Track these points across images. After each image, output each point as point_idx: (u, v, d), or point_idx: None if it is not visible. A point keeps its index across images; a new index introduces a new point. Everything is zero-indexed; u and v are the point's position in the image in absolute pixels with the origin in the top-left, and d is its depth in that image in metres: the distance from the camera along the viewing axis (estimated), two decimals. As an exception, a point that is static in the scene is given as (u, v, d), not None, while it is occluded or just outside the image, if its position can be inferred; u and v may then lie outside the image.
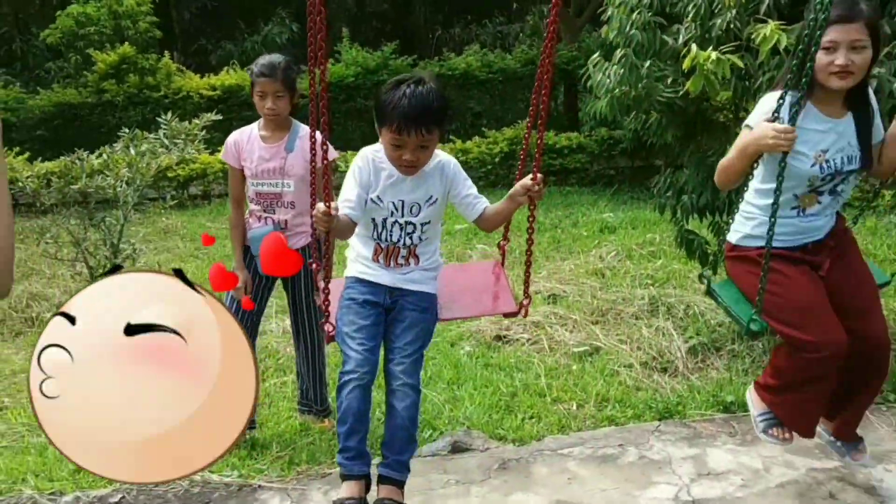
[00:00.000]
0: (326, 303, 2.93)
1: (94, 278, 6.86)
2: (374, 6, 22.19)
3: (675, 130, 4.78)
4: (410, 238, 3.02)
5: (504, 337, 5.44)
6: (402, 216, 2.99)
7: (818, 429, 3.40)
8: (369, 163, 2.98)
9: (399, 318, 3.02)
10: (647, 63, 4.40)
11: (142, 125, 9.07)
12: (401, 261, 3.05)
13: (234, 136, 4.00)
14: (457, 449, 3.90)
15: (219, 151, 11.99)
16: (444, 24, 22.72)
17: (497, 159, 11.77)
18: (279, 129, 3.95)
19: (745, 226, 3.24)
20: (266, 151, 3.92)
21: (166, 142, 7.20)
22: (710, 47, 4.03)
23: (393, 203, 2.96)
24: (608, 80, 4.53)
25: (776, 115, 2.96)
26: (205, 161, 11.47)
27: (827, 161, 3.04)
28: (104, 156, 7.12)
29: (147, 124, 9.45)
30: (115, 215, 6.93)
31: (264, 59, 3.95)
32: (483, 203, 3.07)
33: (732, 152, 3.15)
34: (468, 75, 14.40)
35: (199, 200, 11.90)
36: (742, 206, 3.28)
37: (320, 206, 2.70)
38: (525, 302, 3.15)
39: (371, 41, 17.44)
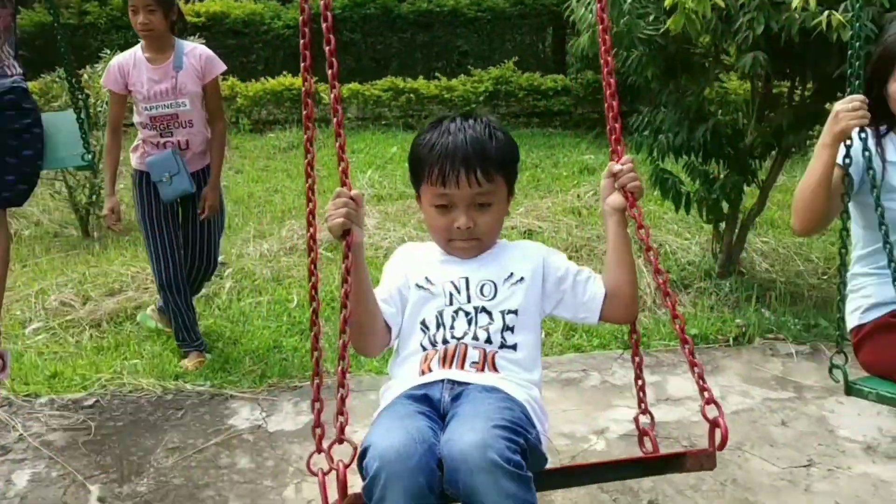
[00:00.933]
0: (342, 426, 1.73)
1: (72, 197, 6.88)
2: (364, -61, 21.79)
3: (655, 69, 4.81)
4: (486, 332, 1.96)
5: (478, 268, 5.52)
6: (468, 301, 2.00)
7: None
8: (406, 252, 2.19)
9: (462, 400, 1.84)
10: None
11: (124, 48, 8.94)
12: (469, 367, 1.92)
13: (118, 60, 3.95)
14: (425, 369, 4.00)
15: (202, 77, 11.93)
16: (435, -40, 22.37)
17: (482, 98, 11.75)
18: (162, 49, 3.89)
19: (860, 300, 2.65)
20: (154, 73, 3.87)
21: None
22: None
23: (453, 283, 2.02)
24: (590, 15, 4.54)
25: (848, 145, 2.40)
26: (187, 88, 11.38)
27: None
28: (85, 75, 7.08)
29: (129, 47, 9.36)
30: (95, 136, 6.90)
31: None
32: (597, 277, 2.10)
33: (810, 165, 2.52)
34: (457, 12, 14.26)
35: (180, 125, 11.83)
36: (849, 289, 2.67)
37: (342, 189, 1.80)
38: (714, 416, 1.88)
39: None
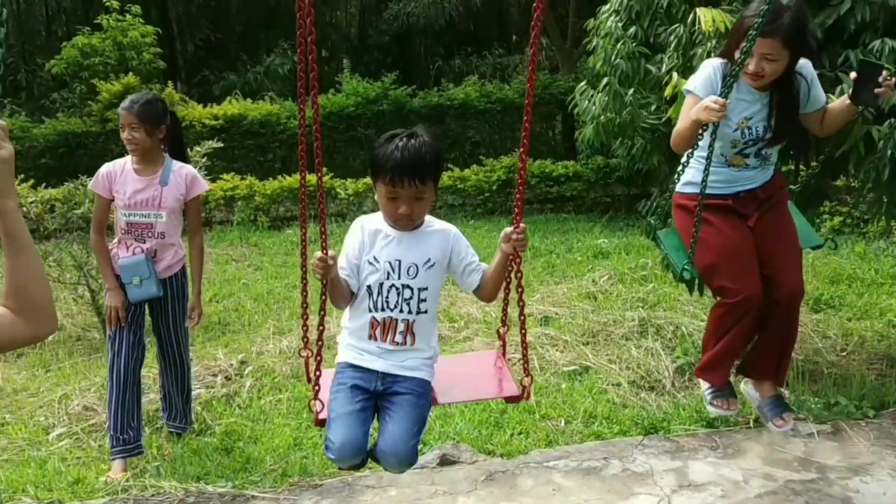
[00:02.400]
0: (317, 387, 2.80)
1: (95, 301, 7.00)
2: (375, 38, 22.47)
3: (660, 155, 4.93)
4: (408, 305, 2.80)
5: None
6: (399, 278, 2.79)
7: (749, 391, 3.83)
8: (362, 227, 2.88)
9: (392, 402, 2.80)
10: (631, 91, 4.57)
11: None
12: (398, 338, 2.81)
13: (107, 168, 4.17)
14: (445, 461, 4.01)
15: (221, 179, 12.21)
16: (445, 55, 23.02)
17: (494, 187, 11.94)
18: (151, 162, 4.15)
19: (685, 176, 3.66)
20: (140, 183, 4.11)
21: (168, 168, 7.35)
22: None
23: (389, 263, 2.79)
24: (594, 107, 4.69)
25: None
26: (206, 188, 11.62)
27: (749, 128, 3.52)
28: (107, 182, 7.28)
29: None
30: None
31: (129, 96, 4.20)
32: (483, 268, 2.90)
33: (680, 121, 3.58)
34: (467, 105, 14.63)
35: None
36: (683, 160, 3.63)
37: (317, 253, 2.61)
38: (527, 383, 2.89)
39: (372, 72, 17.68)
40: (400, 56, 22.06)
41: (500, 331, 3.16)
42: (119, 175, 4.13)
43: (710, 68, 3.54)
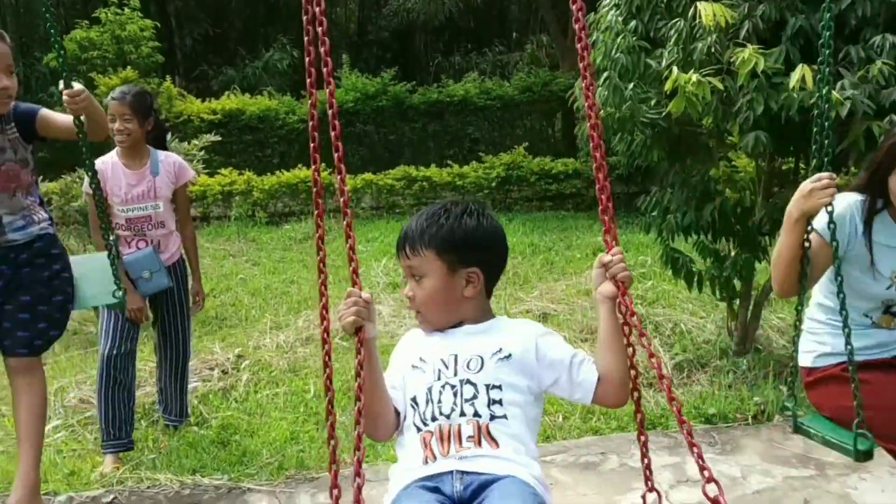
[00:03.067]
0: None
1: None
2: (375, 34, 22.46)
3: (660, 151, 4.90)
4: (473, 407, 1.99)
5: (494, 353, 5.54)
6: (455, 374, 2.05)
7: None
8: (410, 338, 2.25)
9: (486, 495, 1.88)
10: (631, 85, 4.54)
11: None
12: (466, 443, 1.97)
13: (98, 167, 3.99)
14: (442, 456, 3.98)
15: (219, 174, 12.18)
16: (444, 52, 23.04)
17: (494, 184, 11.92)
18: (139, 155, 4.14)
19: (816, 346, 2.82)
20: (132, 178, 4.10)
21: (166, 162, 7.34)
22: (692, 70, 4.17)
23: (442, 360, 2.08)
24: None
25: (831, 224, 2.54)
26: (203, 183, 11.61)
27: None
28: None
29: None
30: (114, 233, 7.03)
31: (119, 88, 4.24)
32: (590, 360, 2.12)
33: (779, 242, 2.74)
34: (466, 101, 14.62)
35: (198, 222, 12.00)
36: (806, 325, 2.85)
37: (353, 290, 1.89)
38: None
39: (371, 68, 17.68)
40: (399, 52, 22.04)
41: (647, 499, 2.11)
42: (110, 172, 4.08)
43: (843, 205, 2.62)
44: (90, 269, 3.55)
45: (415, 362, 2.11)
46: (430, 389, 2.04)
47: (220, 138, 8.19)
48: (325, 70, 1.93)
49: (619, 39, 4.63)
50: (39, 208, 3.45)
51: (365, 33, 22.86)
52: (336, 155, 1.89)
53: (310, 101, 1.94)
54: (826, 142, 2.58)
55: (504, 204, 12.11)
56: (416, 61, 22.29)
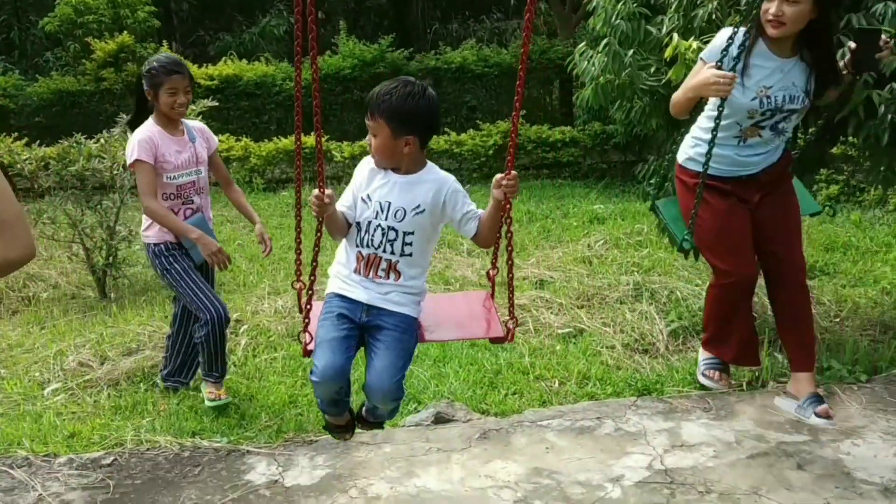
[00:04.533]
0: (307, 319, 2.96)
1: (89, 259, 6.99)
2: (372, 0, 22.27)
3: (659, 118, 4.90)
4: (392, 246, 2.91)
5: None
6: (386, 219, 2.89)
7: (781, 402, 3.88)
8: (366, 165, 3.00)
9: (377, 338, 2.92)
10: (631, 52, 4.53)
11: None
12: (381, 273, 2.92)
13: (146, 134, 4.07)
14: (439, 420, 4.03)
15: (219, 140, 12.11)
16: (442, 19, 22.81)
17: (491, 151, 11.87)
18: (176, 123, 4.19)
19: (690, 149, 3.68)
20: (177, 145, 4.14)
21: (163, 127, 7.30)
22: (692, 37, 4.16)
23: (379, 203, 2.90)
24: (593, 68, 4.66)
25: (723, 53, 3.38)
26: (201, 149, 11.58)
27: (768, 97, 3.43)
28: (102, 140, 7.23)
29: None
30: (111, 199, 7.03)
31: (164, 58, 4.16)
32: (479, 214, 2.96)
33: (682, 87, 3.56)
34: (464, 69, 14.51)
35: (196, 188, 12.02)
36: (692, 129, 3.69)
37: (314, 191, 2.72)
38: (511, 325, 3.02)
39: (368, 35, 17.53)
40: (397, 19, 21.84)
41: (490, 272, 3.24)
42: (158, 140, 4.08)
43: (725, 35, 3.43)
44: None
45: (363, 197, 2.93)
46: (369, 223, 2.91)
47: (217, 104, 8.09)
48: (310, 36, 2.51)
49: (619, 6, 4.63)
50: None
51: (362, 0, 22.65)
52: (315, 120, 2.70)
53: (295, 72, 2.79)
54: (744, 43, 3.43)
55: (501, 171, 12.07)
56: (413, 28, 22.08)
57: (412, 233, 2.90)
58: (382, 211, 2.89)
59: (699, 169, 3.54)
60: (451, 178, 2.98)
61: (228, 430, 3.97)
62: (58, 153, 7.29)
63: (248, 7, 20.19)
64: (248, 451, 3.76)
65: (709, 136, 3.45)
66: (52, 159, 7.31)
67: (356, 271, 2.94)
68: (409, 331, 2.95)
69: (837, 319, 5.39)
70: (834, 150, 5.44)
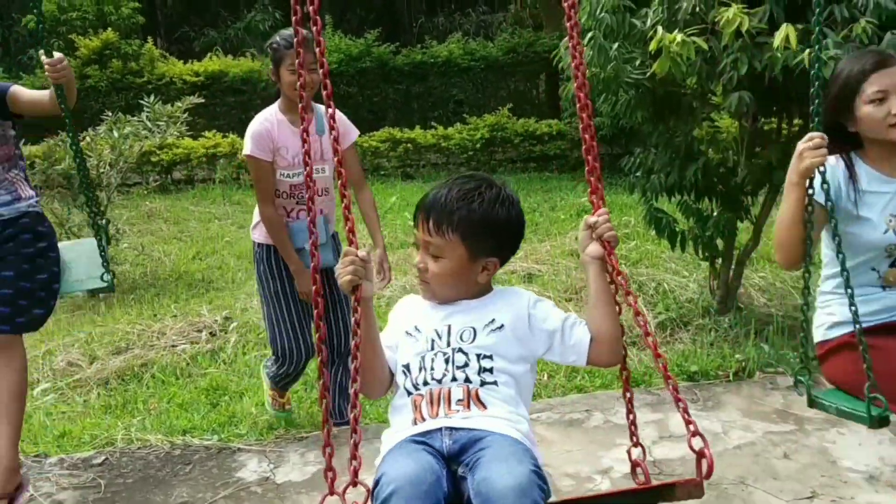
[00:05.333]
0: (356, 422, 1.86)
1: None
2: (357, -6, 22.28)
3: (644, 111, 4.92)
4: (464, 373, 2.04)
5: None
6: (448, 344, 2.09)
7: None
8: (407, 304, 2.28)
9: (477, 456, 1.89)
10: (616, 45, 4.53)
11: (125, 110, 9.08)
12: (455, 406, 2.01)
13: (262, 126, 3.56)
14: (430, 414, 4.04)
15: (203, 136, 12.09)
16: (428, 12, 22.81)
17: (478, 145, 11.92)
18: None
19: (826, 317, 2.81)
20: (299, 137, 3.44)
21: (149, 124, 7.31)
22: (677, 30, 4.17)
23: (436, 331, 2.12)
24: (578, 61, 4.66)
25: (825, 187, 2.51)
26: (188, 146, 11.57)
27: None
28: (87, 138, 7.22)
29: (130, 109, 9.46)
30: (98, 197, 7.01)
31: (285, 32, 3.60)
32: (582, 322, 2.16)
33: (780, 213, 2.65)
34: (450, 63, 14.54)
35: (182, 185, 12.00)
36: (817, 300, 2.85)
37: (349, 248, 1.94)
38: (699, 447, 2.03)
39: (354, 29, 17.53)
40: (383, 12, 21.83)
41: (632, 453, 2.25)
42: (276, 131, 3.55)
43: (828, 166, 2.54)
44: (78, 254, 3.41)
45: (409, 329, 2.14)
46: (423, 357, 2.08)
47: (203, 100, 8.11)
48: (314, 29, 1.99)
49: (603, -1, 4.62)
50: (25, 184, 3.31)
51: (348, -7, 22.63)
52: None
53: (297, 62, 2.11)
54: (818, 101, 2.46)
55: (488, 165, 12.11)
56: (399, 22, 22.08)
57: (490, 357, 2.06)
58: (440, 337, 2.10)
59: (848, 330, 2.62)
60: (529, 292, 2.25)
61: (219, 428, 3.99)
62: (43, 152, 7.28)
63: (233, 2, 20.14)
64: (238, 449, 3.78)
65: (842, 291, 2.55)
66: (38, 158, 7.29)
67: (416, 421, 2.02)
68: (526, 452, 1.92)
69: (823, 309, 5.44)
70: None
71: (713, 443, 3.66)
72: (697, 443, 1.96)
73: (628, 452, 2.23)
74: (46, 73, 3.07)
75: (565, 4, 2.19)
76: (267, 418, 4.07)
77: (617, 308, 2.14)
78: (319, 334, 1.95)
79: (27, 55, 17.12)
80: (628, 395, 2.26)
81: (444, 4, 22.85)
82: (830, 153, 2.53)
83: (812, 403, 2.73)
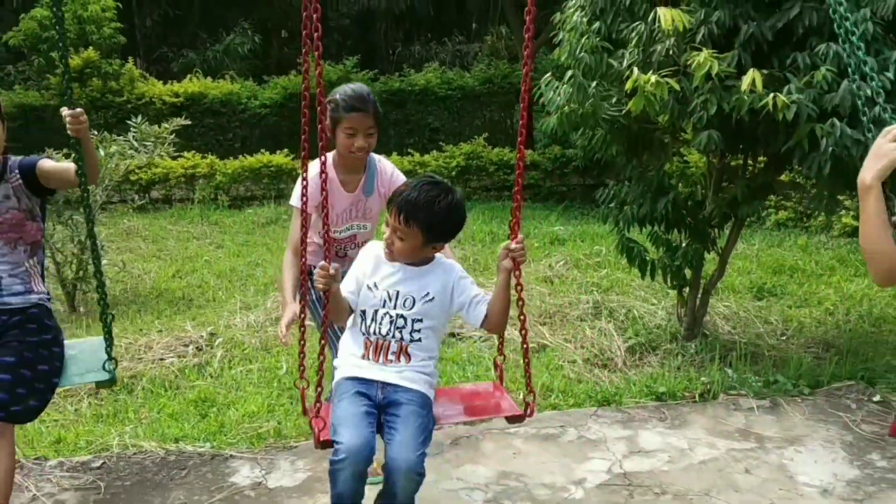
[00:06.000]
0: (318, 403, 2.86)
1: (59, 273, 7.08)
2: (335, 20, 22.51)
3: (619, 146, 5.20)
4: (401, 333, 2.90)
5: (457, 334, 5.81)
6: (395, 307, 2.90)
7: None
8: (371, 251, 3.01)
9: (395, 414, 2.81)
10: (594, 83, 4.81)
11: (106, 129, 9.21)
12: (391, 356, 2.90)
13: (314, 181, 2.99)
14: (413, 427, 4.24)
15: (182, 157, 12.23)
16: (405, 41, 23.18)
17: (454, 173, 12.18)
18: (357, 170, 3.57)
19: None
20: (346, 200, 3.54)
21: (136, 144, 7.47)
22: (651, 71, 4.45)
23: (387, 292, 2.91)
24: (558, 98, 4.94)
25: None
26: (167, 166, 11.71)
27: None
28: (73, 156, 7.34)
29: (110, 128, 9.60)
30: (81, 214, 7.14)
31: (350, 90, 3.49)
32: (488, 299, 2.93)
33: (861, 215, 2.23)
34: (427, 91, 14.85)
35: (161, 204, 12.13)
36: None
37: (321, 263, 2.72)
38: (530, 400, 3.04)
39: (332, 55, 17.78)
40: (360, 40, 22.14)
41: (497, 360, 3.23)
42: (326, 188, 3.14)
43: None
44: (82, 350, 3.43)
45: (370, 284, 2.94)
46: (375, 312, 2.92)
47: (189, 122, 8.29)
48: (315, 54, 2.66)
49: (583, 40, 4.90)
50: (40, 279, 3.32)
51: (325, 19, 22.81)
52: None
53: (303, 84, 2.81)
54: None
55: (463, 193, 12.36)
56: (376, 50, 22.39)
57: (420, 319, 2.90)
58: (391, 299, 2.90)
59: None
60: (458, 266, 3.03)
61: (210, 436, 4.15)
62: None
63: (212, 24, 20.33)
64: (231, 456, 3.95)
65: None
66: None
67: (364, 357, 2.91)
68: (427, 407, 2.88)
69: (784, 337, 5.74)
70: (783, 177, 5.78)
71: (679, 458, 3.92)
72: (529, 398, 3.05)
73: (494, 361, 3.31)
74: (67, 125, 3.07)
75: (526, 35, 2.72)
76: (256, 428, 4.24)
77: (510, 300, 2.92)
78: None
79: (4, 71, 17.15)
80: (500, 340, 3.22)
81: (421, 34, 23.22)
82: None
83: None
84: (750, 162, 5.37)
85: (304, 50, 2.76)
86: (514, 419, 3.15)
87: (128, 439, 4.10)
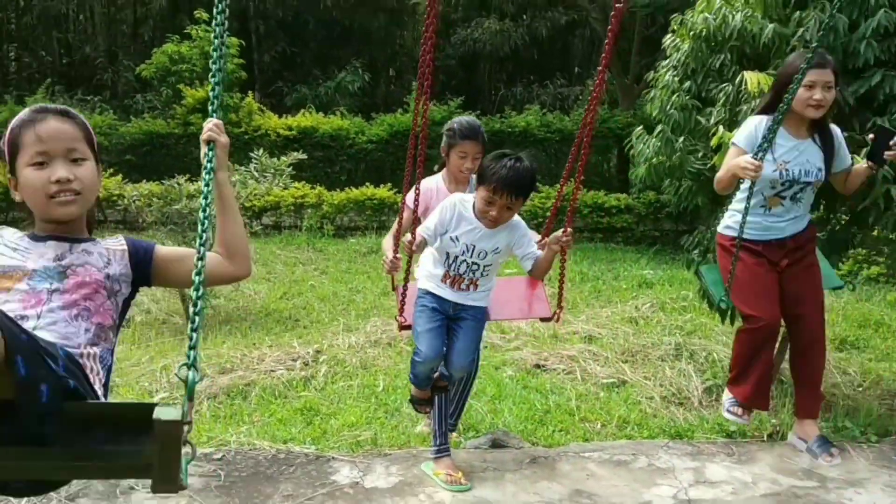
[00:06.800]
0: (402, 302, 4.04)
1: (180, 290, 7.76)
2: (441, 61, 23.29)
3: (704, 197, 5.54)
4: (474, 274, 3.91)
5: (542, 366, 6.20)
6: (471, 257, 3.85)
7: (795, 440, 4.62)
8: (455, 209, 3.82)
9: (460, 326, 3.98)
10: (682, 138, 5.19)
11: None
12: (463, 287, 3.94)
13: (426, 184, 4.09)
14: (496, 445, 4.65)
15: (293, 187, 13.03)
16: (507, 82, 23.77)
17: (549, 213, 12.51)
18: (463, 183, 4.34)
19: (728, 219, 4.46)
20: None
21: (256, 174, 8.15)
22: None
23: (466, 245, 3.82)
24: (647, 150, 5.33)
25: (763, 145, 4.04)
26: (277, 195, 12.47)
27: (787, 170, 4.20)
28: (183, 182, 8.07)
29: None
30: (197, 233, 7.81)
31: (465, 121, 4.32)
32: (537, 256, 3.91)
33: (722, 168, 4.31)
34: (527, 133, 15.32)
35: (270, 230, 12.90)
36: (731, 203, 4.48)
37: (388, 253, 3.87)
38: (559, 311, 4.18)
39: (437, 94, 18.45)
40: (464, 80, 22.84)
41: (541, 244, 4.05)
42: (434, 195, 4.23)
43: (752, 124, 4.24)
44: None
45: (453, 237, 3.80)
46: (455, 258, 3.86)
47: (305, 156, 8.96)
48: (423, 98, 3.41)
49: (673, 97, 5.30)
50: (101, 389, 2.17)
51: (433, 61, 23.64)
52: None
53: (413, 121, 3.67)
54: (770, 135, 4.07)
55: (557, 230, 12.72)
56: (479, 91, 23.05)
57: (490, 265, 3.90)
58: (468, 251, 3.83)
59: (735, 234, 4.28)
60: (522, 224, 3.92)
61: (314, 440, 4.64)
62: (161, 191, 8.17)
63: (325, 62, 21.36)
64: (333, 458, 4.42)
65: (742, 206, 4.19)
66: (156, 196, 8.18)
67: (444, 281, 3.92)
68: (482, 319, 4.05)
69: (860, 389, 5.91)
70: (875, 232, 5.98)
71: (743, 491, 4.21)
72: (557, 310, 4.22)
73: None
74: (207, 131, 2.63)
75: (595, 85, 3.55)
76: (355, 436, 4.72)
77: (550, 266, 3.97)
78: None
79: (133, 100, 18.45)
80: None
81: (524, 75, 23.77)
82: (770, 111, 4.15)
83: (696, 272, 5.08)
84: (832, 216, 5.62)
85: (415, 94, 3.48)
86: (544, 320, 4.30)
87: (243, 438, 4.63)
